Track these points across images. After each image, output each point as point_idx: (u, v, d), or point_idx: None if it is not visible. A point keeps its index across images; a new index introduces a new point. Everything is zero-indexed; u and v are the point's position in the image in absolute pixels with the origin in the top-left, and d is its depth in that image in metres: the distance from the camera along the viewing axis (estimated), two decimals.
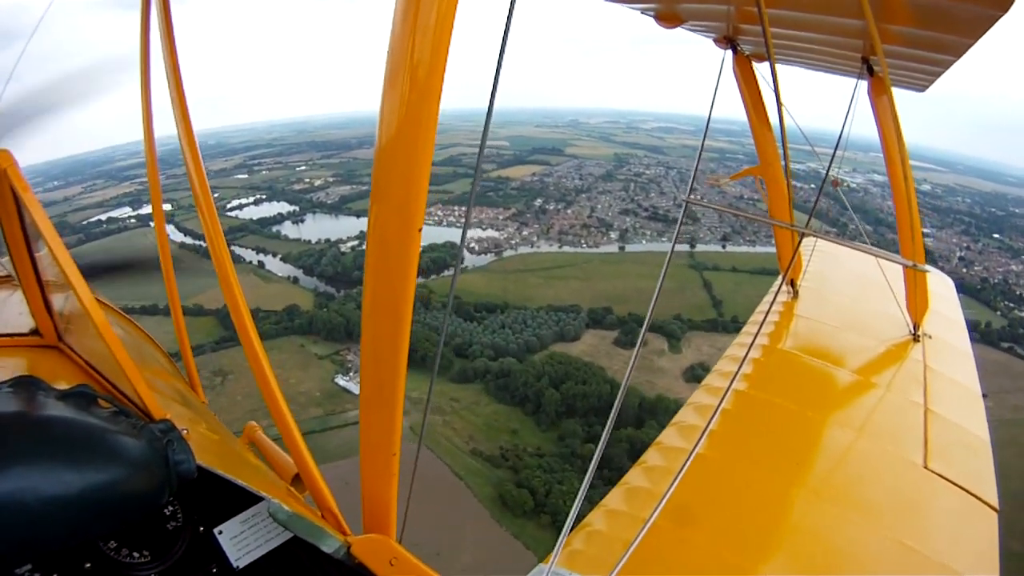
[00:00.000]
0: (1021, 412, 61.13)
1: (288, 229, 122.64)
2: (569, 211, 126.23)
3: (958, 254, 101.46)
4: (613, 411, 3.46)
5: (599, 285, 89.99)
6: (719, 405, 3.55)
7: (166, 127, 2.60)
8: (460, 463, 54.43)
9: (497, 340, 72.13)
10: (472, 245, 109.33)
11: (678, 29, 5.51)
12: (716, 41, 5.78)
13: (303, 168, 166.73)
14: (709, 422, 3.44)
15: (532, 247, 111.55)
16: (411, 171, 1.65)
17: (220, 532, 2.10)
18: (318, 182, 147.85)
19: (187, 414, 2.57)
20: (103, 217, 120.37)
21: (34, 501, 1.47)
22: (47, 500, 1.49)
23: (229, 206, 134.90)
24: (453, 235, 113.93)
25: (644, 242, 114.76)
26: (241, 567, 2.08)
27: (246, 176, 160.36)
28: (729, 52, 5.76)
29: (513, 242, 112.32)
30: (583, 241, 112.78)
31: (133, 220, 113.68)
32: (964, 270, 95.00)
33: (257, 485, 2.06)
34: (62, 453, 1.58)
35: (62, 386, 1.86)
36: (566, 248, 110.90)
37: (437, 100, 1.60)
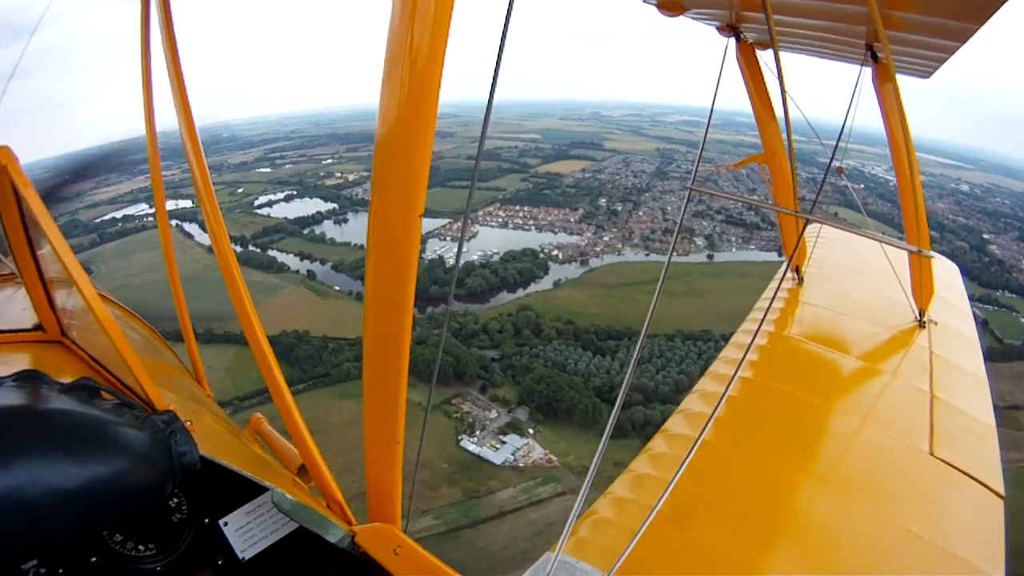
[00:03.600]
0: None
1: (331, 230, 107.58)
2: (640, 213, 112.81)
3: None
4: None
5: (712, 303, 75.64)
6: (725, 392, 3.42)
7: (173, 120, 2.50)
8: None
9: (643, 380, 58.09)
10: (555, 252, 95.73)
11: (681, 18, 5.38)
12: (719, 29, 5.63)
13: (329, 162, 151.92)
14: (715, 409, 3.30)
15: (618, 255, 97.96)
16: (412, 160, 1.61)
17: (226, 524, 2.07)
18: (352, 176, 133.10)
19: (191, 406, 2.59)
20: (118, 215, 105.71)
21: (38, 494, 1.42)
22: (51, 493, 1.44)
23: (258, 202, 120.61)
24: (527, 240, 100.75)
25: (733, 250, 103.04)
26: (247, 559, 2.05)
27: (269, 170, 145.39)
28: (732, 40, 5.61)
29: (597, 249, 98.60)
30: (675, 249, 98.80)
31: (151, 219, 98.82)
32: None
33: (262, 476, 2.03)
34: (65, 445, 1.54)
35: (65, 380, 1.84)
36: (654, 256, 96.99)
37: (437, 89, 1.54)
